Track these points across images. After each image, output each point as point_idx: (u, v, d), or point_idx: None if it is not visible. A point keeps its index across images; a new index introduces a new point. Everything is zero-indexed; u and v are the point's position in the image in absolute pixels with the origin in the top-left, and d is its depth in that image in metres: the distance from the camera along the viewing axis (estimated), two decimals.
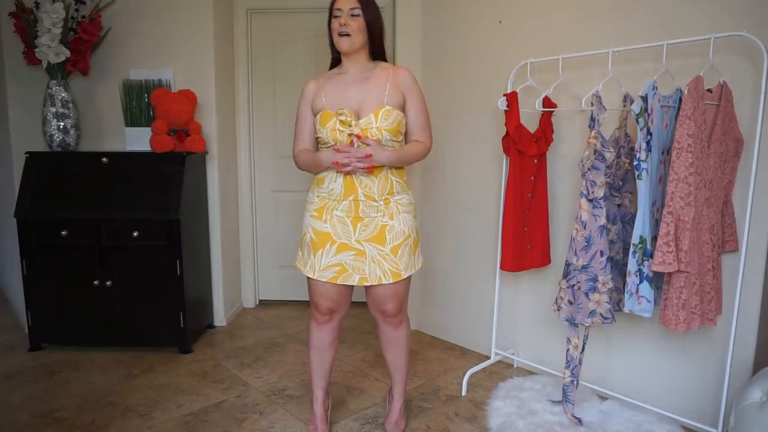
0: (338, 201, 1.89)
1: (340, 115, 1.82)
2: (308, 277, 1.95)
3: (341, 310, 2.02)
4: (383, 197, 1.89)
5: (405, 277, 1.93)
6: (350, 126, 1.82)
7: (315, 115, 1.93)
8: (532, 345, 2.72)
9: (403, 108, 1.91)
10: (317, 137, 1.93)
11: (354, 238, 1.89)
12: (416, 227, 1.99)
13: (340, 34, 1.86)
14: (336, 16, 1.87)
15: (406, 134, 1.95)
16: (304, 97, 1.96)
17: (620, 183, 2.07)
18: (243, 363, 2.82)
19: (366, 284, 1.91)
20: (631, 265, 1.87)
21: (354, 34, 1.85)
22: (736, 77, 1.93)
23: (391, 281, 1.91)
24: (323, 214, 1.91)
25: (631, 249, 1.86)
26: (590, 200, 1.96)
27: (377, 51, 1.95)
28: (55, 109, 2.86)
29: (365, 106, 1.87)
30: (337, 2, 1.88)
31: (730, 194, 1.97)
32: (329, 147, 1.88)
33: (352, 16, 1.85)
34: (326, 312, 1.99)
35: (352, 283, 1.91)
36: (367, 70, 1.93)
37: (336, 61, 1.99)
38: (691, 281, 1.79)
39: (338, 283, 1.91)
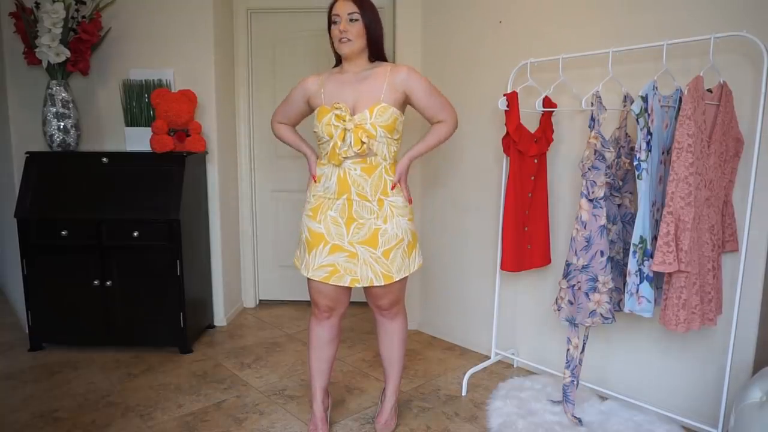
0: (333, 200, 1.91)
1: (336, 109, 1.84)
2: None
3: (340, 308, 2.03)
4: (376, 197, 1.90)
5: (397, 279, 1.93)
6: (344, 121, 1.83)
7: (312, 110, 1.98)
8: (532, 345, 2.72)
9: (401, 106, 1.93)
10: (313, 131, 1.95)
11: (347, 239, 1.90)
12: (411, 229, 1.97)
13: (341, 41, 1.87)
14: (335, 22, 1.88)
15: (427, 121, 2.00)
16: (305, 88, 1.99)
17: (620, 183, 2.07)
18: (243, 363, 2.82)
19: (357, 285, 1.92)
20: (632, 265, 1.87)
21: (354, 39, 1.87)
22: (736, 77, 1.93)
23: (383, 284, 1.91)
24: (318, 214, 1.93)
25: (632, 249, 1.86)
26: (590, 200, 1.96)
27: (377, 52, 1.97)
28: (55, 109, 2.86)
29: (360, 103, 1.88)
30: (334, 8, 1.88)
31: (730, 194, 1.97)
32: (324, 143, 1.90)
33: (351, 21, 1.86)
34: (326, 309, 2.00)
35: (344, 284, 1.92)
36: (365, 70, 1.94)
37: (340, 61, 2.01)
38: (691, 281, 1.79)
39: (330, 283, 1.92)
